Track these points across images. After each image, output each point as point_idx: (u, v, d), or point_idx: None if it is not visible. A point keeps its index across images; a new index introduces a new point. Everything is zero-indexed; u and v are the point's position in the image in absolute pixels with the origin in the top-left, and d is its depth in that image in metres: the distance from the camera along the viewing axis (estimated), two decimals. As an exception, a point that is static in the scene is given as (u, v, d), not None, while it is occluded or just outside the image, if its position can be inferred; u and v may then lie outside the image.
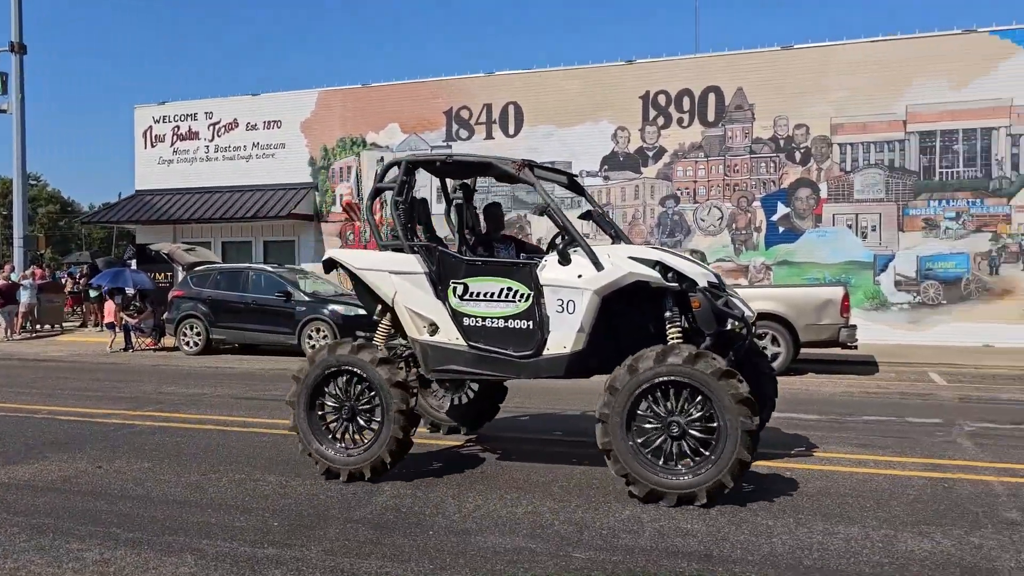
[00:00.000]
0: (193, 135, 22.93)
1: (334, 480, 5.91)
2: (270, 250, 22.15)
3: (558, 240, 6.89)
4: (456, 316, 5.99)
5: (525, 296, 5.82)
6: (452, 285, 6.02)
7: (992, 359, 14.20)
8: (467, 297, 5.98)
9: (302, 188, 21.47)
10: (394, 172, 6.46)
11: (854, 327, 12.52)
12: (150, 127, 23.44)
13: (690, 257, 6.26)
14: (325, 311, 15.58)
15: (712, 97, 18.27)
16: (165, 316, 17.26)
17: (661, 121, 18.62)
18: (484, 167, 6.54)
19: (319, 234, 21.58)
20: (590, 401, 9.63)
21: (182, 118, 23.09)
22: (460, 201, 6.96)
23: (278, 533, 4.81)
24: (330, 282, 18.39)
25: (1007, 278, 16.31)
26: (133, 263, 22.54)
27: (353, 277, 6.41)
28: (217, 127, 22.67)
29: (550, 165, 8.33)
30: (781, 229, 17.73)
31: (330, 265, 6.59)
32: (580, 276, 5.66)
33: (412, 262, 6.09)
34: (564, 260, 5.75)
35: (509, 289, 5.87)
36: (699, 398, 5.14)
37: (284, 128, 21.91)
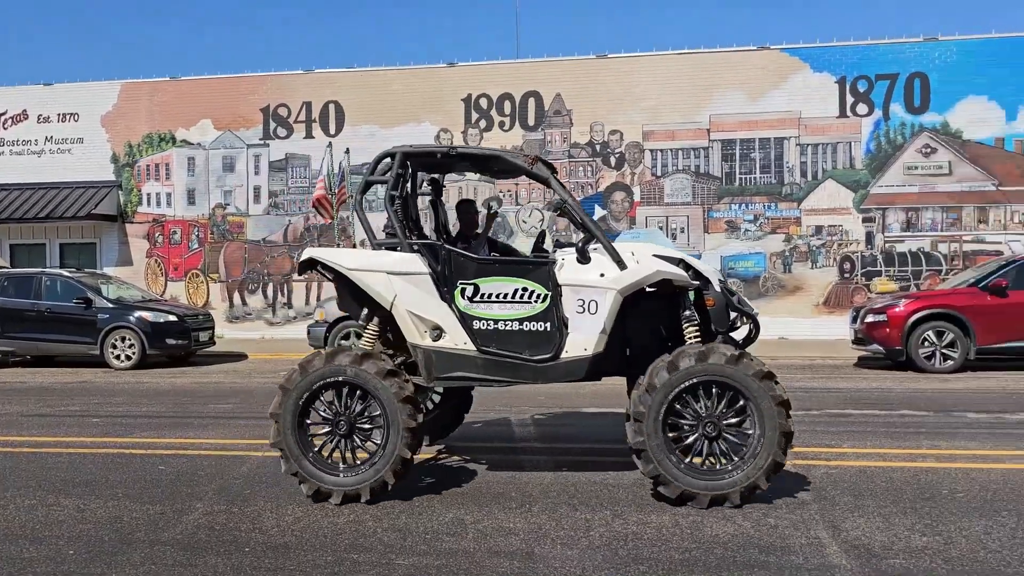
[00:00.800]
0: (-26, 126, 20.75)
1: (323, 502, 5.42)
2: (68, 253, 20.42)
3: (543, 239, 6.80)
4: (465, 319, 5.59)
5: (542, 297, 5.53)
6: (460, 286, 5.61)
7: (786, 351, 15.46)
8: (477, 299, 5.60)
9: (104, 187, 19.97)
10: (387, 164, 5.98)
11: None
12: (-79, 116, 20.97)
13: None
14: (131, 318, 14.60)
15: (532, 102, 18.73)
16: (-59, 327, 15.50)
17: (483, 124, 18.87)
18: (491, 161, 6.14)
19: (124, 236, 20.15)
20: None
21: (-40, 107, 20.83)
22: (431, 197, 6.61)
23: (75, 562, 4.41)
24: (136, 287, 17.25)
25: (798, 276, 17.83)
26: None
27: (339, 279, 5.83)
28: (3, 119, 20.63)
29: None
30: (599, 231, 18.42)
31: (307, 266, 5.95)
32: (603, 275, 5.45)
33: (414, 262, 5.62)
34: (583, 258, 5.53)
35: (524, 289, 5.55)
36: (738, 399, 5.14)
37: (82, 121, 20.27)
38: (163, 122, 20.01)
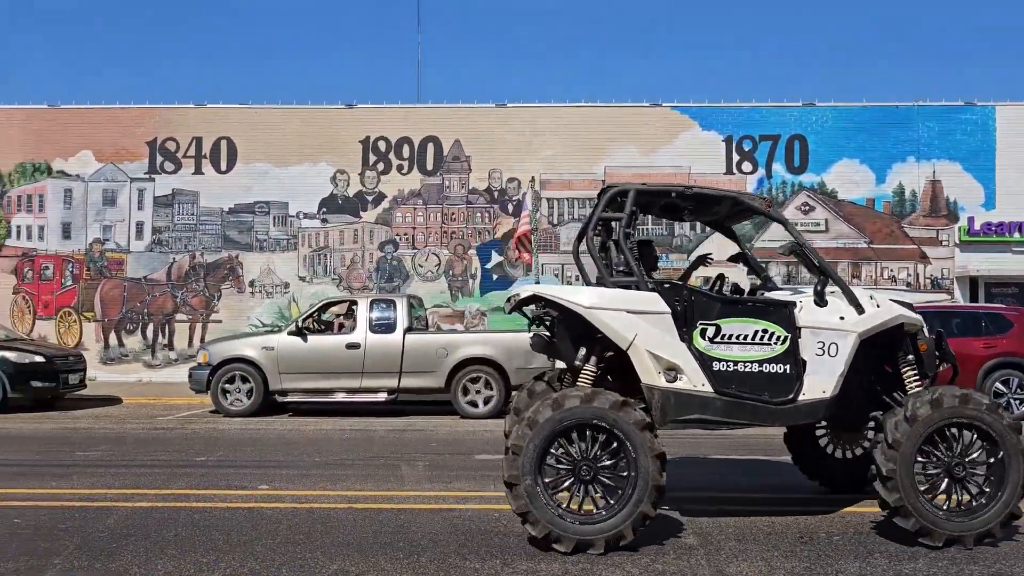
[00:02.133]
0: None
1: (543, 548, 5.13)
2: (-76, 287, 18.92)
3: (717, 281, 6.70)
4: (704, 360, 5.48)
5: (782, 338, 5.52)
6: (701, 326, 5.52)
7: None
8: (718, 339, 5.51)
9: (-31, 217, 18.67)
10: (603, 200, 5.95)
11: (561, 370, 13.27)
12: None
13: None
14: (-8, 359, 13.53)
15: (431, 147, 18.76)
16: None
17: (381, 167, 18.74)
18: (722, 203, 6.19)
19: (-10, 270, 18.85)
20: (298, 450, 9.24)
21: None
22: (601, 238, 6.33)
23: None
24: (0, 326, 16.12)
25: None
26: None
27: (567, 316, 5.61)
28: None
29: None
30: (495, 277, 18.49)
31: (526, 303, 5.72)
32: (842, 318, 5.53)
33: (654, 300, 5.51)
34: (821, 301, 5.58)
35: (765, 331, 5.53)
36: (988, 444, 5.28)
37: (-53, 148, 18.98)
38: (38, 151, 18.94)
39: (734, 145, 18.54)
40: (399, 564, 4.97)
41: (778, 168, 18.54)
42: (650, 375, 5.47)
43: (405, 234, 18.65)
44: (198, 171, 18.80)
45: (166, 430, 11.44)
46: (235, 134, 18.86)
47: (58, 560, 5.05)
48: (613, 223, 6.04)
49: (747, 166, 18.52)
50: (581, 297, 5.59)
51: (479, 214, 18.64)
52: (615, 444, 5.18)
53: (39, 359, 13.95)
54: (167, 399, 15.26)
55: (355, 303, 13.48)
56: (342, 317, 13.73)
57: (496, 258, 18.50)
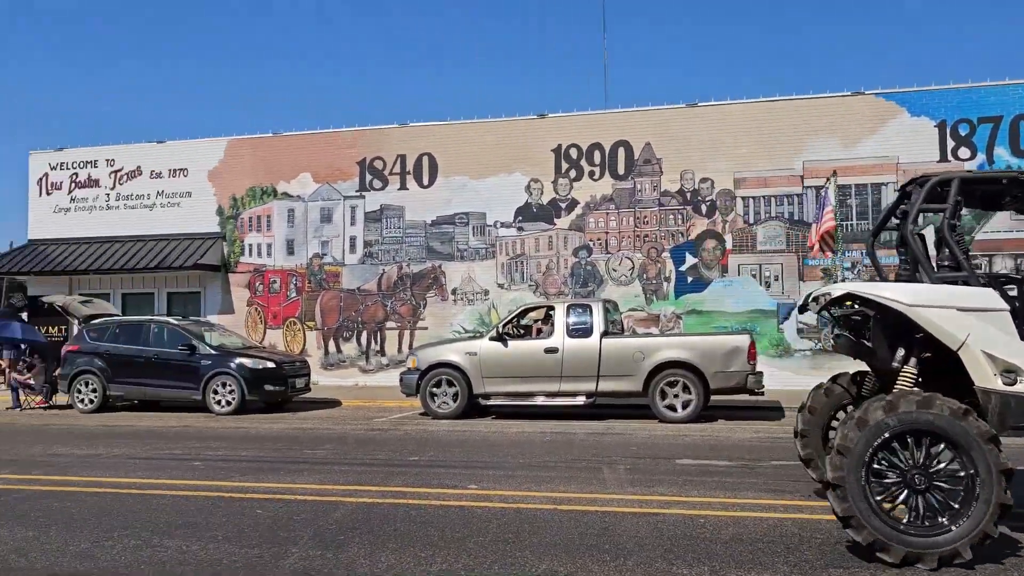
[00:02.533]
0: (93, 183, 22.11)
1: (860, 555, 5.06)
2: (174, 302, 21.39)
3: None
4: None
5: None
6: None
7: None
8: None
9: (209, 238, 20.91)
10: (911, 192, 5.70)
11: (760, 374, 12.86)
12: (46, 174, 22.49)
13: None
14: (232, 364, 15.08)
15: (622, 151, 18.76)
16: (58, 372, 16.39)
17: (573, 174, 18.98)
18: None
19: (227, 285, 20.98)
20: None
21: (81, 165, 22.26)
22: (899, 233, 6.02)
23: (176, 602, 4.53)
24: (237, 334, 17.87)
25: (900, 325, 17.03)
26: (24, 315, 21.45)
27: (884, 315, 5.34)
28: (119, 175, 21.93)
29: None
30: (689, 279, 18.17)
31: (837, 302, 5.53)
32: None
33: (990, 296, 5.17)
34: None
35: None
36: None
37: (191, 176, 21.36)
38: (265, 176, 20.89)
39: (948, 130, 17.09)
40: (606, 567, 5.05)
41: (1001, 152, 16.89)
42: (985, 378, 5.05)
43: (598, 239, 18.77)
44: (403, 187, 19.93)
45: (382, 431, 12.21)
46: (435, 150, 19.81)
47: (295, 549, 5.56)
48: (913, 215, 5.59)
49: (964, 152, 17.01)
50: (902, 294, 5.23)
51: (672, 216, 18.41)
52: (952, 454, 4.82)
53: (271, 365, 15.36)
54: (381, 402, 16.28)
55: (552, 308, 13.76)
56: (540, 322, 14.05)
57: (691, 260, 18.17)
